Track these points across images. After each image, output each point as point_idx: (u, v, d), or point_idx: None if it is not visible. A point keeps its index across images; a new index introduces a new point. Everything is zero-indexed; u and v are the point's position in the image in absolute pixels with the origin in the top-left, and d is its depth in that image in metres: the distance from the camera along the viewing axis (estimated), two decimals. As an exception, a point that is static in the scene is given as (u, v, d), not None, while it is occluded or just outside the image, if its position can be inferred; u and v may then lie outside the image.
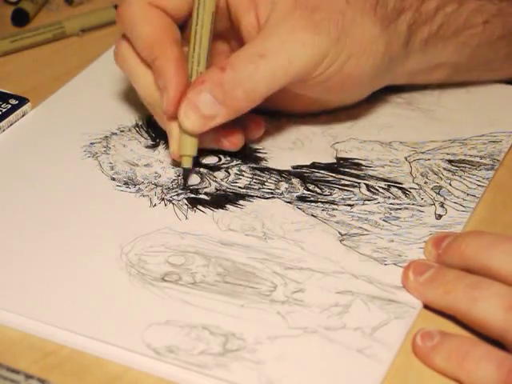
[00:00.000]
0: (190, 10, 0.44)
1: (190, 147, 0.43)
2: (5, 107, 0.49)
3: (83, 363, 0.37)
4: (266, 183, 0.46)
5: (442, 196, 0.46)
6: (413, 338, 0.37)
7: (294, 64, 0.42)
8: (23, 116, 0.50)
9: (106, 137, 0.49)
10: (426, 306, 0.39)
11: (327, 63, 0.43)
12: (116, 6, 0.57)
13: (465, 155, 0.48)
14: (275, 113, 0.49)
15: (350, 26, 0.43)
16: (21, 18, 0.56)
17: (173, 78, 0.42)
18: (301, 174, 0.47)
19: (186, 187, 0.44)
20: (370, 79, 0.46)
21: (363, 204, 0.45)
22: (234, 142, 0.45)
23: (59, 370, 0.37)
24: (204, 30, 0.43)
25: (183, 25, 0.45)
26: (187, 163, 0.43)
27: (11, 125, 0.49)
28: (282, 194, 0.46)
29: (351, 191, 0.46)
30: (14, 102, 0.50)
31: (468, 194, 0.46)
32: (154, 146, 0.48)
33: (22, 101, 0.50)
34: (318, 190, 0.46)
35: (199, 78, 0.42)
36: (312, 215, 0.44)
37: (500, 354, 0.35)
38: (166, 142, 0.48)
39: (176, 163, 0.46)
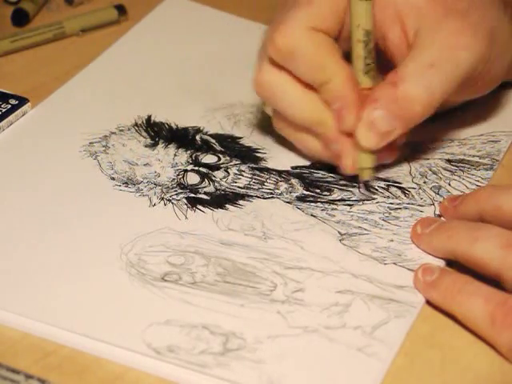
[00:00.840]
0: (340, 28, 0.44)
1: (368, 160, 0.44)
2: (5, 107, 0.49)
3: (83, 363, 0.37)
4: (265, 183, 0.46)
5: (441, 196, 0.46)
6: (415, 272, 0.40)
7: (461, 68, 0.43)
8: (23, 116, 0.50)
9: (106, 136, 0.49)
10: (427, 304, 0.40)
11: (484, 64, 0.44)
12: (116, 6, 0.57)
13: (464, 155, 0.49)
14: None
15: (496, 25, 0.44)
16: (21, 18, 0.56)
17: (350, 98, 0.43)
18: (300, 174, 0.47)
19: (369, 198, 0.45)
20: (503, 76, 0.47)
21: (362, 204, 0.45)
22: (392, 153, 0.46)
23: (59, 370, 0.37)
24: (361, 45, 0.43)
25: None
26: (367, 175, 0.45)
27: (11, 125, 0.49)
28: (281, 194, 0.46)
29: (350, 191, 0.46)
30: (13, 101, 0.50)
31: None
32: (154, 146, 0.48)
33: (22, 101, 0.50)
34: (318, 190, 0.46)
35: (371, 97, 0.43)
36: (311, 215, 0.44)
37: (488, 289, 0.38)
38: (166, 142, 0.48)
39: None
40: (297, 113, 0.44)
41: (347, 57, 0.44)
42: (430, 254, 0.41)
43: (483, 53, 0.44)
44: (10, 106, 0.49)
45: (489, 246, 0.38)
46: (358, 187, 0.45)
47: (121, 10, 0.57)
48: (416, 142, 0.48)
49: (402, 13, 0.44)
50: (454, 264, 0.41)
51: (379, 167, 0.47)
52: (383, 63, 0.45)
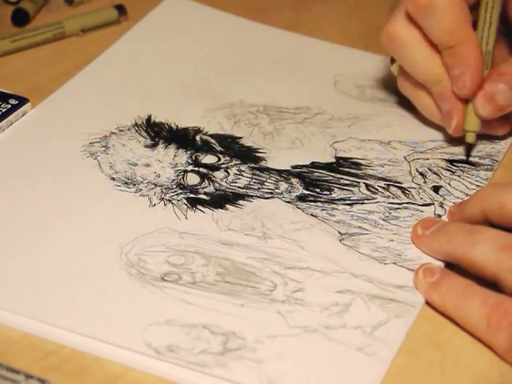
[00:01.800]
0: None
1: (475, 124, 0.46)
2: (5, 107, 0.49)
3: (83, 363, 0.37)
4: (265, 183, 0.46)
5: (441, 196, 0.46)
6: (415, 272, 0.40)
7: None
8: (23, 116, 0.50)
9: (106, 136, 0.49)
10: (427, 304, 0.40)
11: None
12: (116, 6, 0.57)
13: (464, 155, 0.49)
14: None
15: None
16: (21, 18, 0.56)
17: (474, 65, 0.45)
18: (300, 173, 0.47)
19: (468, 161, 0.47)
20: None
21: (363, 203, 0.45)
22: (504, 126, 0.48)
23: (59, 369, 0.37)
24: (494, 13, 0.46)
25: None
26: (471, 138, 0.47)
27: (11, 125, 0.49)
28: (281, 193, 0.46)
29: (351, 191, 0.46)
30: (13, 101, 0.50)
31: (467, 194, 0.46)
32: (154, 146, 0.48)
33: (22, 101, 0.50)
34: (318, 190, 0.46)
35: (497, 70, 0.45)
36: (312, 215, 0.44)
37: (485, 292, 0.38)
38: (166, 142, 0.48)
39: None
40: (418, 69, 0.47)
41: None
42: (429, 255, 0.41)
43: None
44: (9, 105, 0.49)
45: (485, 249, 0.39)
46: (466, 153, 0.47)
47: (121, 9, 0.57)
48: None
49: None
50: (454, 265, 0.41)
51: (379, 167, 0.47)
52: (508, 33, 0.48)
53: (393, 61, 0.49)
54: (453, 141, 0.49)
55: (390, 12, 0.48)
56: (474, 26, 0.46)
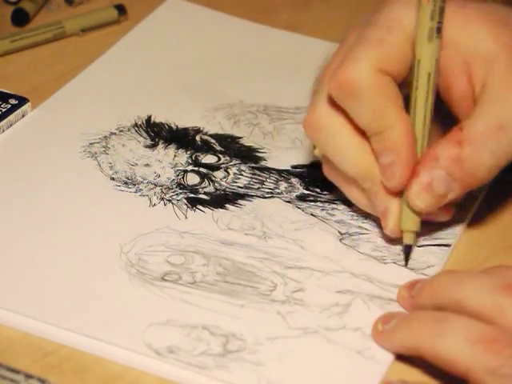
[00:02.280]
0: (407, 73, 0.40)
1: (413, 222, 0.40)
2: (5, 107, 0.49)
3: (83, 363, 0.37)
4: (265, 183, 0.46)
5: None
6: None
7: None
8: (23, 116, 0.50)
9: (105, 137, 0.49)
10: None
11: None
12: (116, 6, 0.57)
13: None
14: None
15: None
16: (21, 18, 0.56)
17: (405, 153, 0.39)
18: (300, 173, 0.47)
19: (406, 264, 0.41)
20: None
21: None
22: (448, 211, 0.42)
23: (59, 369, 0.37)
24: (428, 95, 0.39)
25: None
26: (410, 239, 0.40)
27: (11, 125, 0.49)
28: (281, 193, 0.46)
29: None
30: (13, 101, 0.50)
31: (467, 194, 0.46)
32: (153, 146, 0.48)
33: (22, 101, 0.50)
34: (318, 190, 0.46)
35: (431, 154, 0.39)
36: (311, 214, 0.44)
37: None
38: (166, 142, 0.48)
39: (391, 238, 0.42)
40: (346, 162, 0.41)
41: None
42: (393, 353, 0.37)
43: None
44: (9, 105, 0.49)
45: (456, 342, 0.34)
46: (405, 258, 0.41)
47: (121, 9, 0.57)
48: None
49: (470, 62, 0.40)
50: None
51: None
52: (443, 113, 0.41)
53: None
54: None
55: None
56: (407, 103, 0.40)
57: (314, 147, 0.43)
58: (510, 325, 0.35)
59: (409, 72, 0.40)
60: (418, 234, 0.41)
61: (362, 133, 0.40)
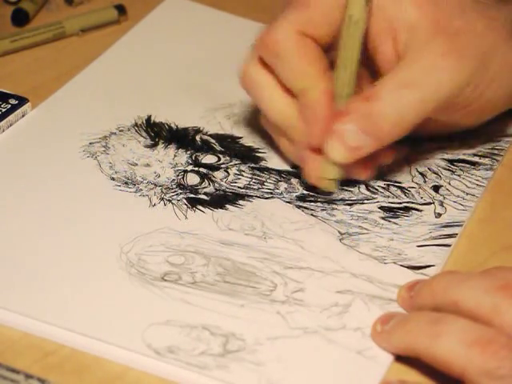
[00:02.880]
0: (334, 36, 0.43)
1: (332, 172, 0.43)
2: (5, 107, 0.49)
3: (83, 363, 0.37)
4: (265, 183, 0.46)
5: (441, 195, 0.46)
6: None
7: (440, 92, 0.42)
8: (23, 116, 0.50)
9: (105, 136, 0.49)
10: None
11: (471, 89, 0.43)
12: (116, 6, 0.57)
13: (464, 154, 0.49)
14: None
15: (491, 50, 0.43)
16: (21, 18, 0.56)
17: (323, 111, 0.42)
18: (300, 173, 0.47)
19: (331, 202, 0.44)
20: (506, 103, 0.46)
21: (362, 203, 0.45)
22: (366, 171, 0.44)
23: (59, 369, 0.37)
24: (353, 55, 0.42)
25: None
26: (332, 187, 0.44)
27: (11, 125, 0.49)
28: (281, 193, 0.46)
29: (350, 191, 0.46)
30: (13, 101, 0.49)
31: (467, 194, 0.46)
32: (154, 146, 0.48)
33: (22, 101, 0.50)
34: (318, 190, 0.46)
35: (344, 109, 0.42)
36: (311, 215, 0.44)
37: None
38: (166, 142, 0.48)
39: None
40: (271, 113, 0.44)
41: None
42: (392, 353, 0.37)
43: (467, 77, 0.42)
44: (9, 105, 0.49)
45: (452, 343, 0.34)
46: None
47: (121, 9, 0.57)
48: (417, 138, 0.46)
49: (395, 28, 0.43)
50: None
51: (382, 167, 0.47)
52: (373, 75, 0.44)
53: None
54: (453, 141, 0.49)
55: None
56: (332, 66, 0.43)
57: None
58: (507, 326, 0.35)
59: (336, 35, 0.42)
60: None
61: (287, 89, 0.44)
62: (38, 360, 0.37)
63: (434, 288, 0.37)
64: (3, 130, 0.49)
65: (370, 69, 0.45)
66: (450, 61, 0.42)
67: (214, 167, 0.47)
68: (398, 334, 0.37)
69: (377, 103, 0.41)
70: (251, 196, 0.45)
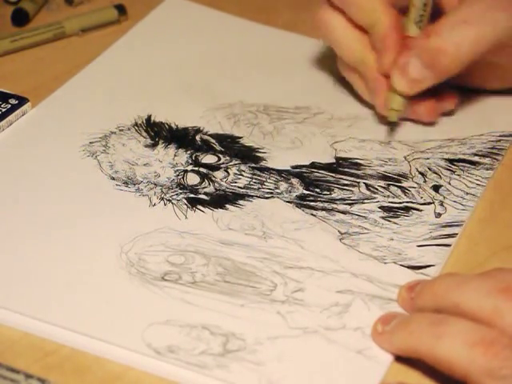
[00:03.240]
0: None
1: (397, 103, 0.47)
2: (5, 107, 0.49)
3: (83, 363, 0.37)
4: (265, 183, 0.46)
5: (441, 195, 0.46)
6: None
7: (496, 30, 0.45)
8: (23, 116, 0.50)
9: (105, 136, 0.49)
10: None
11: None
12: (116, 6, 0.57)
13: (464, 154, 0.49)
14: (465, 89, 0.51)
15: None
16: (21, 18, 0.56)
17: (390, 43, 0.47)
18: (300, 173, 0.47)
19: (389, 135, 0.48)
20: None
21: (363, 203, 0.45)
22: (430, 113, 0.49)
23: (59, 369, 0.37)
24: None
25: None
26: (394, 117, 0.48)
27: (11, 125, 0.49)
28: (281, 193, 0.46)
29: (351, 190, 0.46)
30: (13, 101, 0.49)
31: (467, 193, 0.46)
32: (154, 146, 0.48)
33: (22, 100, 0.50)
34: (318, 190, 0.46)
35: (408, 44, 0.46)
36: (311, 214, 0.44)
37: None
38: (166, 142, 0.48)
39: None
40: (345, 50, 0.49)
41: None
42: (393, 354, 0.37)
43: None
44: (9, 105, 0.49)
45: (455, 345, 0.34)
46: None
47: (121, 9, 0.57)
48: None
49: None
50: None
51: (378, 166, 0.47)
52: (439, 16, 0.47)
53: None
54: (453, 140, 0.49)
55: None
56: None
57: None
58: (509, 327, 0.35)
59: None
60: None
61: (358, 27, 0.48)
62: (37, 360, 0.37)
63: (436, 290, 0.37)
64: (3, 130, 0.49)
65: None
66: (507, 2, 0.45)
67: (214, 167, 0.47)
68: (399, 335, 0.36)
69: (436, 39, 0.45)
70: (251, 196, 0.45)
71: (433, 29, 0.46)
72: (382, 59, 0.47)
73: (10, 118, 0.49)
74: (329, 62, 0.54)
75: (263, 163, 0.47)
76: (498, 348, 0.34)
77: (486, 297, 0.36)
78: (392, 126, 0.48)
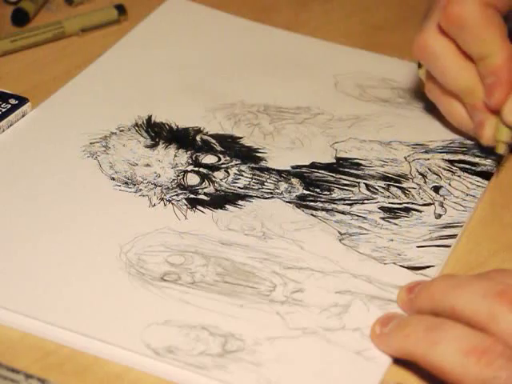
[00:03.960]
0: (509, 6, 0.46)
1: (506, 135, 0.46)
2: (5, 107, 0.49)
3: (83, 363, 0.37)
4: (265, 183, 0.46)
5: (441, 196, 0.46)
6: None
7: None
8: (23, 116, 0.50)
9: (106, 136, 0.49)
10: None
11: None
12: (116, 6, 0.57)
13: (464, 155, 0.48)
14: None
15: None
16: (21, 18, 0.56)
17: (505, 77, 0.45)
18: (300, 173, 0.47)
19: (500, 165, 0.47)
20: None
21: (363, 203, 0.45)
22: None
23: (59, 369, 0.37)
24: None
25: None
26: (502, 149, 0.47)
27: (11, 125, 0.49)
28: (281, 193, 0.46)
29: (351, 191, 0.46)
30: (13, 101, 0.50)
31: (467, 194, 0.46)
32: (154, 146, 0.48)
33: (22, 100, 0.50)
34: (318, 190, 0.46)
35: None
36: (311, 215, 0.44)
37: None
38: (166, 142, 0.48)
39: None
40: (451, 79, 0.47)
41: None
42: (390, 356, 0.37)
43: None
44: (9, 105, 0.49)
45: (449, 351, 0.34)
46: (498, 161, 0.47)
47: (121, 9, 0.57)
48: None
49: None
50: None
51: (379, 167, 0.47)
52: None
53: (420, 65, 0.49)
54: (453, 141, 0.49)
55: (421, 23, 0.48)
56: (510, 34, 0.46)
57: (419, 67, 0.49)
58: (504, 333, 0.35)
59: None
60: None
61: (467, 56, 0.46)
62: (37, 360, 0.37)
63: (433, 292, 0.37)
64: (3, 130, 0.49)
65: None
66: None
67: (214, 167, 0.47)
68: (396, 338, 0.37)
69: None
70: (251, 196, 0.45)
71: None
72: (494, 92, 0.45)
73: (10, 118, 0.49)
74: (329, 62, 0.54)
75: (263, 163, 0.47)
76: (491, 357, 0.34)
77: (481, 301, 0.35)
78: (498, 157, 0.47)
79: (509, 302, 0.35)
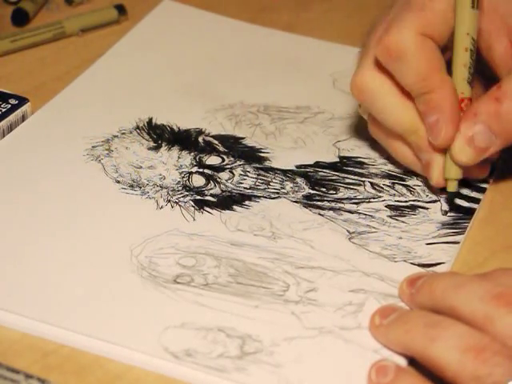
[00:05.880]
0: (449, 34, 0.43)
1: (456, 172, 0.43)
2: (4, 107, 0.48)
3: (83, 362, 0.37)
4: (271, 183, 0.46)
5: (446, 192, 0.46)
6: (368, 372, 0.36)
7: None
8: (23, 116, 0.49)
9: (108, 140, 0.48)
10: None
11: None
12: (116, 6, 0.57)
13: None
14: None
15: None
16: (21, 18, 0.56)
17: (449, 112, 0.42)
18: (305, 173, 0.47)
19: (450, 210, 0.44)
20: None
21: (369, 202, 0.45)
22: (482, 170, 0.45)
23: (59, 369, 0.36)
24: (468, 53, 0.42)
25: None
26: (452, 187, 0.44)
27: (11, 125, 0.48)
28: (287, 193, 0.46)
29: (356, 189, 0.46)
30: (13, 101, 0.49)
31: (472, 191, 0.46)
32: (157, 148, 0.48)
33: (22, 101, 0.49)
34: (324, 189, 0.46)
35: (471, 110, 0.42)
36: (319, 214, 0.44)
37: None
38: (169, 144, 0.48)
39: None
40: (392, 119, 0.44)
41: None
42: (388, 348, 0.37)
43: None
44: (9, 105, 0.49)
45: (447, 348, 0.35)
46: (446, 200, 0.44)
47: (121, 9, 0.57)
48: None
49: (509, 24, 0.43)
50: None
51: (382, 165, 0.47)
52: (483, 74, 0.44)
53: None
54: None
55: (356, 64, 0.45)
56: (448, 66, 0.43)
57: (360, 106, 0.46)
58: (500, 334, 0.35)
59: (450, 36, 0.42)
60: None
61: (407, 93, 0.43)
62: (37, 360, 0.36)
63: (434, 290, 0.38)
64: (3, 130, 0.48)
65: (481, 72, 0.44)
66: None
67: (218, 168, 0.47)
68: (395, 331, 0.37)
69: (507, 103, 0.41)
70: (258, 196, 0.45)
71: (502, 92, 0.41)
72: (440, 131, 0.42)
73: (10, 118, 0.48)
74: (328, 61, 0.55)
75: (267, 163, 0.47)
76: (488, 354, 0.34)
77: (479, 302, 0.36)
78: (451, 195, 0.44)
79: (505, 305, 0.35)
